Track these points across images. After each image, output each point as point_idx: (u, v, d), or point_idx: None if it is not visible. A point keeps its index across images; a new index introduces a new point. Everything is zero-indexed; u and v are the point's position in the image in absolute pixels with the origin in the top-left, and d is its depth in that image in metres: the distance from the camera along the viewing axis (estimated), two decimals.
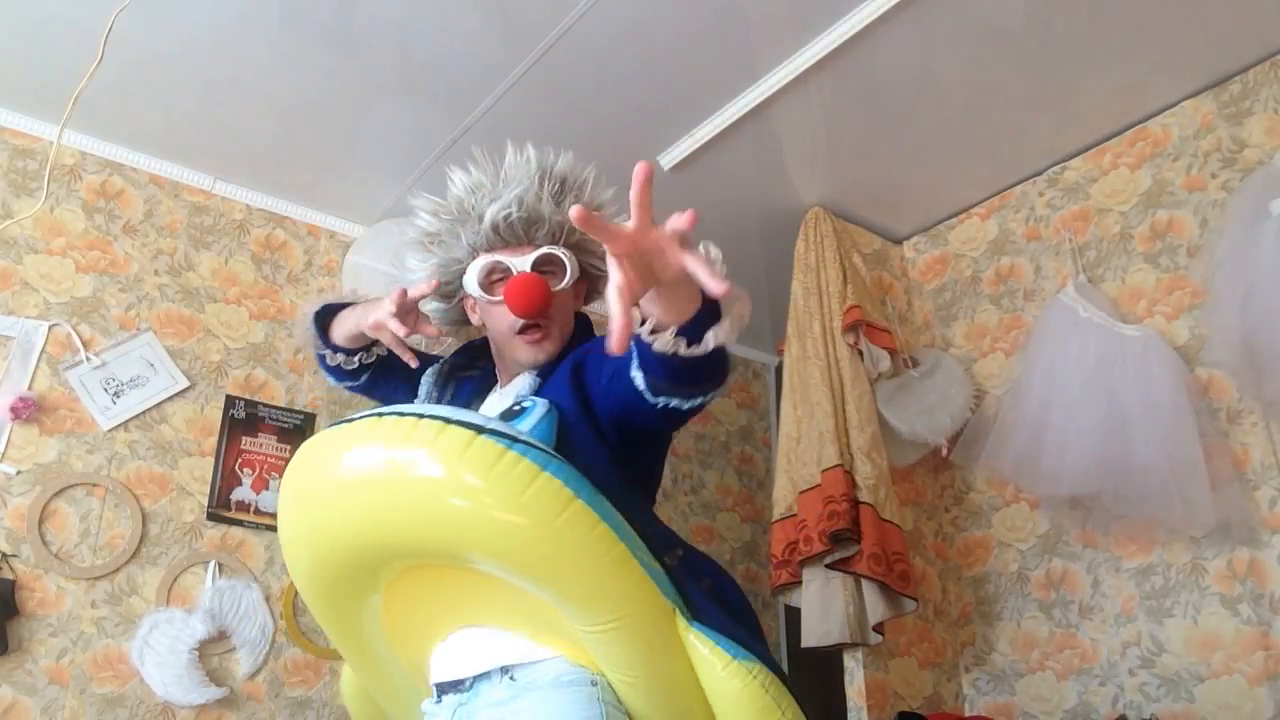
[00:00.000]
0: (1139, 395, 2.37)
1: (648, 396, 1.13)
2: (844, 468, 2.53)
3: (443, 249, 1.45)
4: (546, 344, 1.37)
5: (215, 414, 2.78)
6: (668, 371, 1.08)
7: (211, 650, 2.55)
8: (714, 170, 2.86)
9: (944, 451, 2.80)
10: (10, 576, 2.36)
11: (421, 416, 1.03)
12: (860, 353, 2.76)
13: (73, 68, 2.33)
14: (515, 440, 1.03)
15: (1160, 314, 2.55)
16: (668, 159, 2.79)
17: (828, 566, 2.49)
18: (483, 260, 1.38)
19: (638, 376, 1.12)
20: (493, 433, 1.02)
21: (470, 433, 1.01)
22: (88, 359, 2.62)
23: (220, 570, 2.64)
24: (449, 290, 1.48)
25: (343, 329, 1.51)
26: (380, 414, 1.06)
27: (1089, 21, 2.33)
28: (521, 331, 1.37)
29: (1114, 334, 2.51)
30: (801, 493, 2.58)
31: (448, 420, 1.03)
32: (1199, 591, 2.34)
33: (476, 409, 1.41)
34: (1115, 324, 2.53)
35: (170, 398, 2.72)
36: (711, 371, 1.10)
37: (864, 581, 2.47)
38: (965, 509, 2.92)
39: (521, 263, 1.37)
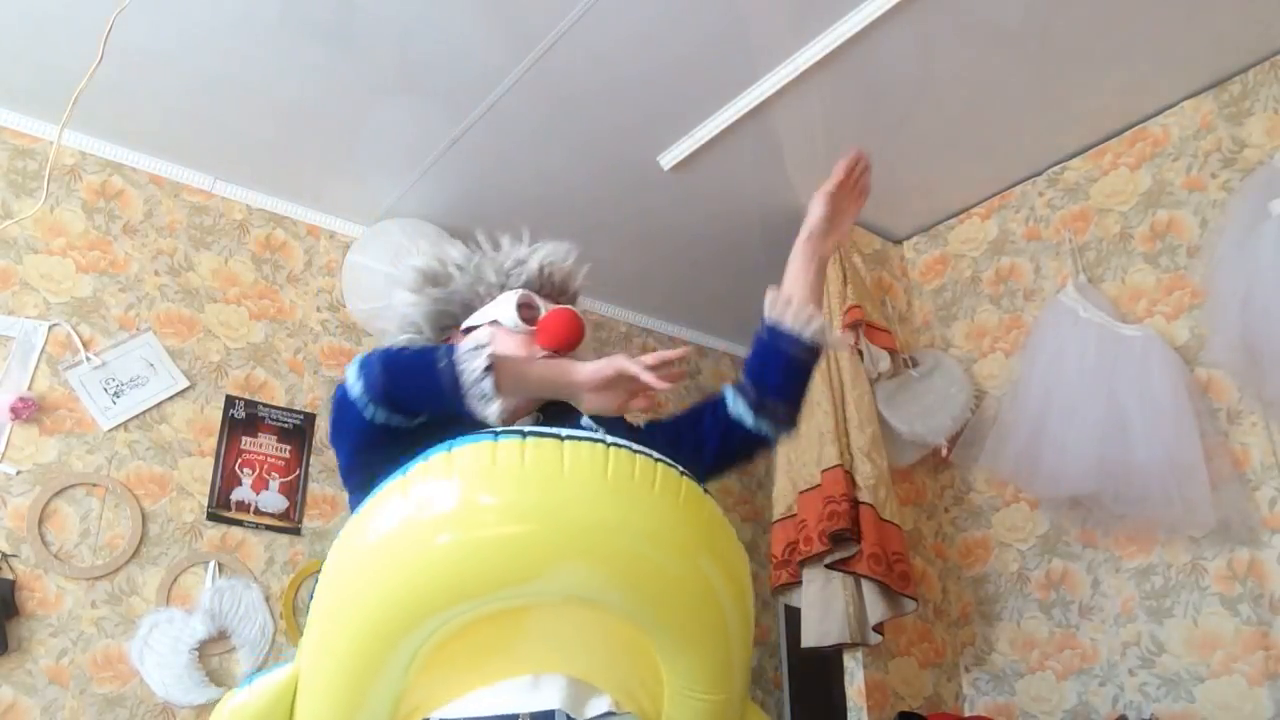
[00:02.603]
0: (1139, 395, 2.37)
1: (748, 421, 1.38)
2: (844, 468, 2.53)
3: (464, 283, 1.46)
4: None
5: (215, 414, 2.78)
6: (791, 369, 1.39)
7: (211, 650, 2.56)
8: (714, 170, 2.86)
9: (944, 452, 2.80)
10: (10, 576, 2.36)
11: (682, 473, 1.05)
12: (860, 353, 2.76)
13: (73, 68, 2.32)
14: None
15: (1160, 314, 2.55)
16: (668, 159, 2.79)
17: (828, 566, 2.49)
18: (521, 293, 1.43)
19: (739, 403, 1.38)
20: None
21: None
22: (88, 359, 2.62)
23: (220, 570, 2.64)
24: (442, 323, 1.47)
25: (522, 384, 1.29)
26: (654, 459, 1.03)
27: (1089, 21, 2.33)
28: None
29: (1114, 334, 2.51)
30: (801, 493, 2.58)
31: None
32: (1199, 591, 2.34)
33: None
34: (1115, 324, 2.53)
35: (170, 398, 2.72)
36: (804, 388, 1.43)
37: (864, 581, 2.47)
38: (965, 509, 2.92)
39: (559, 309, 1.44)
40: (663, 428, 1.47)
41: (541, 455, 0.96)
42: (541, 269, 1.47)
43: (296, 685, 1.08)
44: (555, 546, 0.97)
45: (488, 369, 1.16)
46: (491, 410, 1.16)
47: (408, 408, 1.21)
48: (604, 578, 0.99)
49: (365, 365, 1.23)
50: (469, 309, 1.46)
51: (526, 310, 1.42)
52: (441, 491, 0.96)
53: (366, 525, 1.00)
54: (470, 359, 1.17)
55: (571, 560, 0.97)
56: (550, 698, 1.11)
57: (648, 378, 1.25)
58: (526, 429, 1.01)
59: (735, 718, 1.15)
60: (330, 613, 1.03)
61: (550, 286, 1.48)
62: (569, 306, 1.44)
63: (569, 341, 1.38)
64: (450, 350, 1.19)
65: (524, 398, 1.32)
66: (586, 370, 1.27)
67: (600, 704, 1.14)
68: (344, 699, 1.05)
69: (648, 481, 0.98)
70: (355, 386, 1.22)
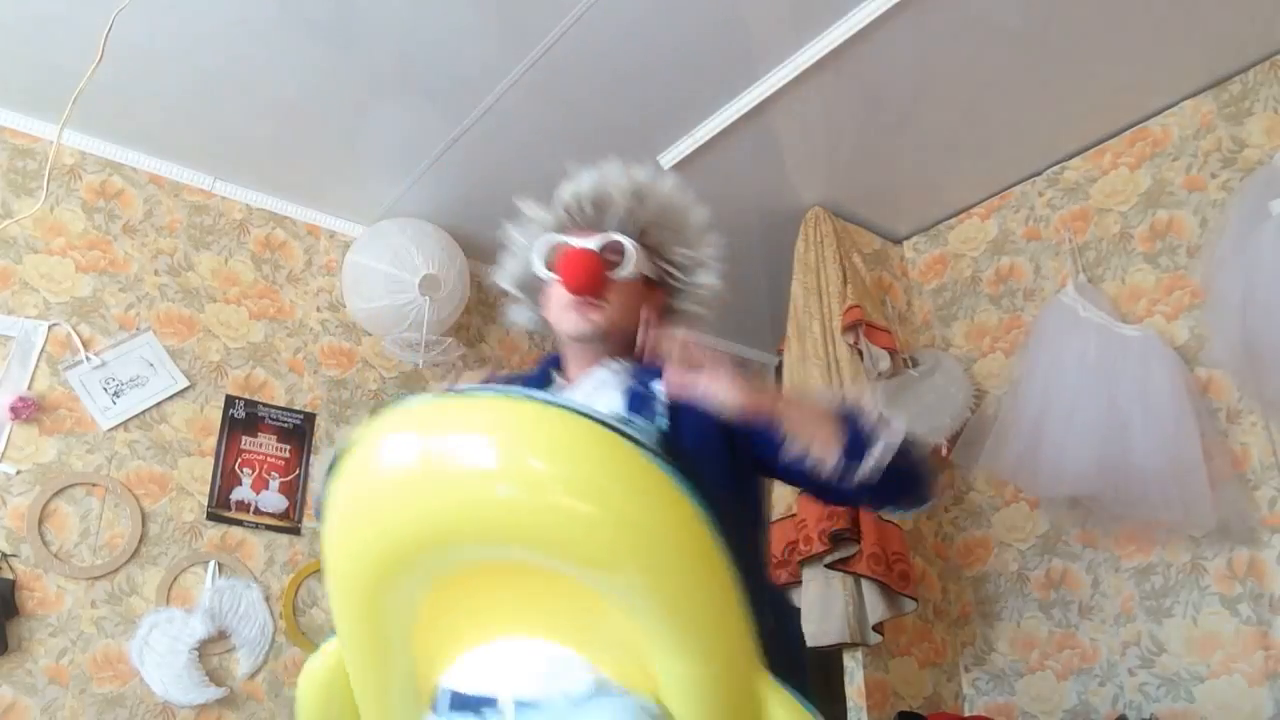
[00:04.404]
0: (1139, 395, 2.37)
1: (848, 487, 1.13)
2: None
3: (526, 239, 1.41)
4: (595, 314, 1.31)
5: (215, 414, 2.78)
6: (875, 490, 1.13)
7: (211, 650, 2.55)
8: (714, 170, 2.86)
9: (944, 451, 2.80)
10: (10, 576, 2.36)
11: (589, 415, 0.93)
12: (860, 353, 2.76)
13: (73, 68, 2.32)
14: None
15: (1160, 314, 2.55)
16: (668, 159, 2.79)
17: (827, 566, 2.49)
18: (547, 238, 1.36)
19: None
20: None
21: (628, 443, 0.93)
22: (87, 359, 2.62)
23: (220, 570, 2.64)
24: (529, 284, 1.44)
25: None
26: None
27: (1089, 21, 2.33)
28: (572, 305, 1.32)
29: (1114, 334, 2.51)
30: (801, 493, 2.58)
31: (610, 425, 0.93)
32: (1199, 591, 2.34)
33: None
34: (1115, 324, 2.53)
35: (170, 397, 2.72)
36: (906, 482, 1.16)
37: (864, 581, 2.47)
38: (965, 509, 2.92)
39: (586, 243, 1.32)
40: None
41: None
42: (568, 206, 1.34)
43: None
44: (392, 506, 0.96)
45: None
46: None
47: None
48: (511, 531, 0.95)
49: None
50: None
51: (552, 255, 1.34)
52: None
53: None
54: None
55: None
56: (528, 674, 1.05)
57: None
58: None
59: (736, 697, 1.00)
60: (329, 557, 1.05)
61: (585, 219, 1.34)
62: (596, 246, 1.31)
63: (578, 285, 1.28)
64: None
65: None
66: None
67: (586, 679, 1.04)
68: (362, 653, 1.09)
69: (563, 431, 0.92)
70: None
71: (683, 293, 1.44)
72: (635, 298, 1.36)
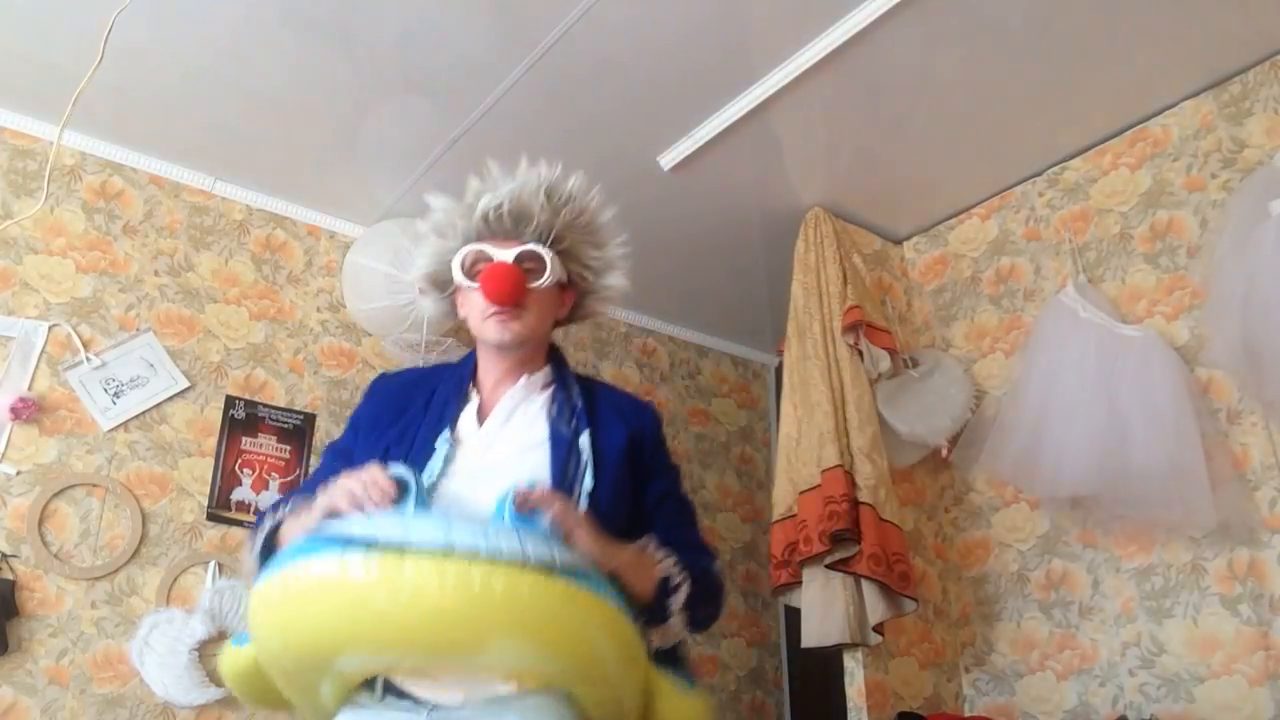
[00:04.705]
0: (1139, 395, 2.37)
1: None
2: (844, 468, 2.53)
3: (441, 240, 1.47)
4: (514, 325, 1.40)
5: (215, 414, 2.79)
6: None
7: (211, 650, 2.55)
8: (714, 170, 2.86)
9: (944, 452, 2.80)
10: (10, 577, 2.36)
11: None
12: (860, 353, 2.76)
13: (73, 68, 2.33)
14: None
15: (1160, 314, 2.55)
16: (668, 159, 2.79)
17: (828, 567, 2.49)
18: (469, 248, 1.42)
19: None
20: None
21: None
22: (88, 359, 2.62)
23: (220, 570, 2.64)
24: (442, 281, 1.50)
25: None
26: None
27: (1089, 21, 2.33)
28: (492, 315, 1.40)
29: (1114, 334, 2.51)
30: (801, 493, 2.58)
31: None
32: (1199, 592, 2.34)
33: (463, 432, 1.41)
34: (1115, 324, 2.53)
35: (170, 398, 2.72)
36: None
37: (864, 582, 2.47)
38: (965, 509, 2.91)
39: (504, 254, 1.40)
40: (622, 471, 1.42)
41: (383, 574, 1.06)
42: (486, 217, 1.41)
43: None
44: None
45: (266, 540, 1.33)
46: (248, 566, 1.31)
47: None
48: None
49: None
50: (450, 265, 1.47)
51: (474, 268, 1.41)
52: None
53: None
54: (252, 536, 1.35)
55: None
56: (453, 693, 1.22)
57: (369, 490, 1.22)
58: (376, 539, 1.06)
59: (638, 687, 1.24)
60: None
61: (502, 229, 1.42)
62: (513, 257, 1.39)
63: (500, 298, 1.37)
64: (256, 526, 1.37)
65: None
66: (318, 507, 1.24)
67: (503, 689, 1.21)
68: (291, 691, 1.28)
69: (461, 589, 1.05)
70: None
71: (593, 294, 1.53)
72: (551, 303, 1.47)
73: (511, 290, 1.37)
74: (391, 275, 2.92)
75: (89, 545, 2.50)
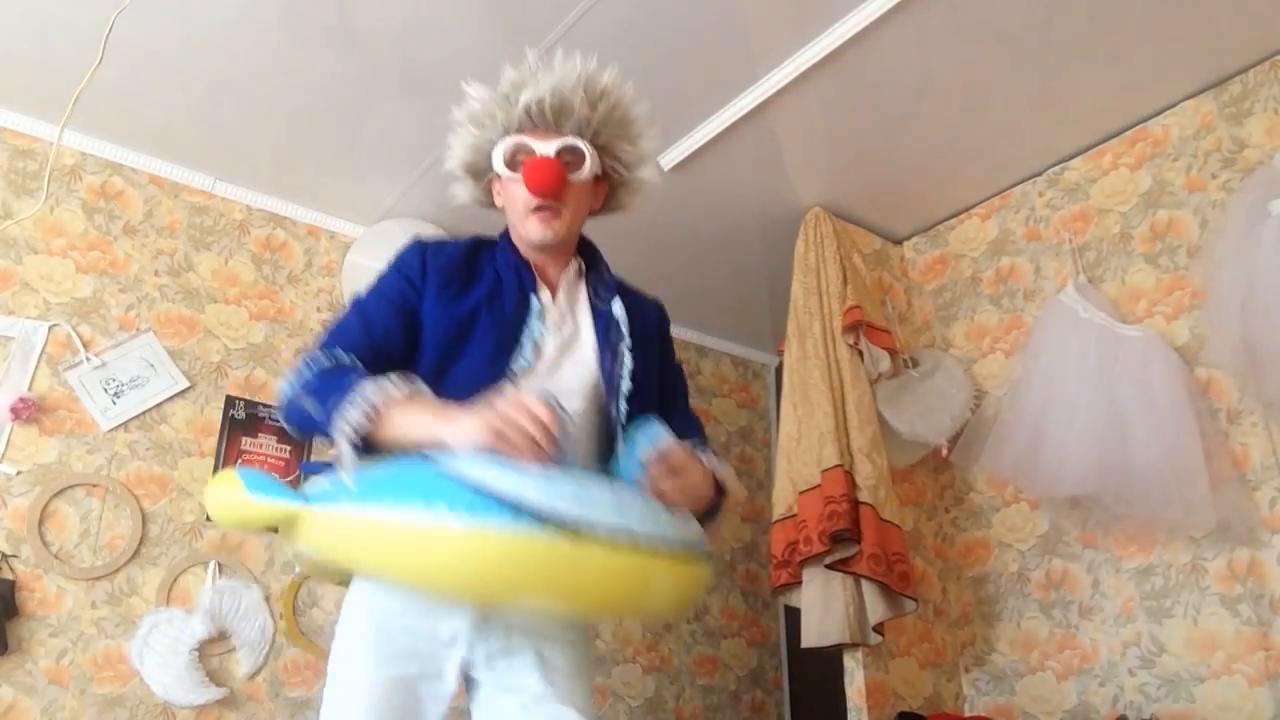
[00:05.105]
0: (1139, 395, 2.37)
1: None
2: (844, 468, 2.53)
3: (479, 130, 1.49)
4: (556, 223, 1.44)
5: (215, 414, 2.79)
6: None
7: (211, 650, 2.56)
8: (714, 170, 2.86)
9: (944, 452, 2.81)
10: (10, 577, 2.36)
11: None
12: (860, 353, 2.76)
13: (73, 68, 2.33)
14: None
15: (1160, 314, 2.55)
16: (668, 159, 2.79)
17: (828, 567, 2.49)
18: (510, 139, 1.44)
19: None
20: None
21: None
22: (88, 359, 2.62)
23: (220, 570, 2.64)
24: (478, 170, 1.53)
25: (398, 439, 1.23)
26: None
27: (1089, 21, 2.33)
28: (535, 211, 1.44)
29: (1114, 334, 2.51)
30: (801, 493, 2.58)
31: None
32: (1199, 592, 2.34)
33: (535, 318, 1.45)
34: (1115, 324, 2.53)
35: (170, 398, 2.72)
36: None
37: (864, 582, 2.47)
38: (965, 509, 2.92)
39: (545, 147, 1.42)
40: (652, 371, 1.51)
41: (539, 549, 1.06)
42: (528, 109, 1.43)
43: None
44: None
45: (357, 427, 1.20)
46: (347, 455, 1.20)
47: (304, 435, 1.28)
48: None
49: (285, 404, 1.32)
50: (490, 155, 1.48)
51: (515, 159, 1.44)
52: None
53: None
54: (349, 412, 1.20)
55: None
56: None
57: (537, 435, 1.14)
58: (545, 512, 1.05)
59: None
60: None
61: (544, 122, 1.44)
62: (554, 150, 1.41)
63: (542, 191, 1.40)
64: (341, 391, 1.23)
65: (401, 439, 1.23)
66: (462, 435, 1.15)
67: None
68: None
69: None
70: (280, 406, 1.34)
71: (625, 185, 1.56)
72: (586, 197, 1.50)
73: (554, 183, 1.40)
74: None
75: (89, 545, 2.50)
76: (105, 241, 2.76)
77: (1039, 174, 2.93)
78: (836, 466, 2.53)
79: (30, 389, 2.52)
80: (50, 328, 2.60)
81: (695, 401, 3.83)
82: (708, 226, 3.18)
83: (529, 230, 1.44)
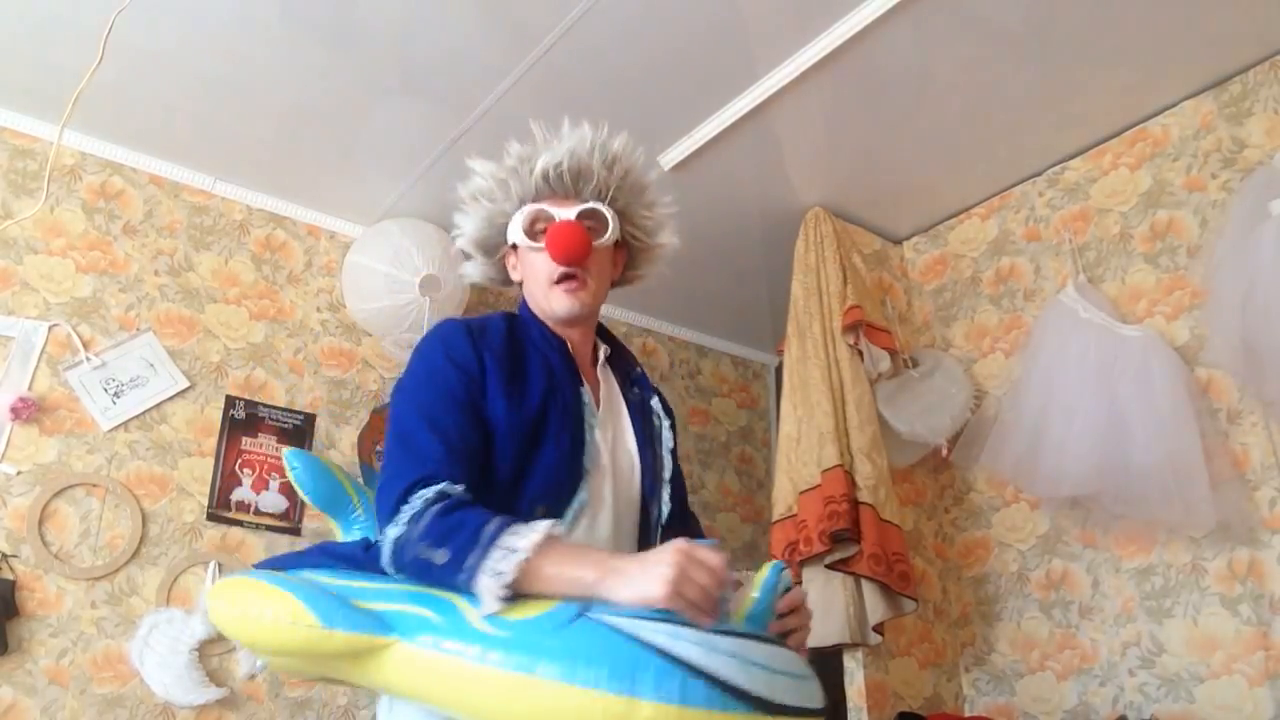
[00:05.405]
0: (1139, 395, 2.37)
1: None
2: (844, 468, 2.53)
3: (491, 204, 1.45)
4: (583, 294, 1.38)
5: (215, 414, 2.78)
6: None
7: (211, 650, 2.55)
8: (714, 170, 2.86)
9: (944, 452, 2.81)
10: (10, 577, 2.36)
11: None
12: (860, 353, 2.76)
13: (73, 68, 2.33)
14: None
15: (1160, 314, 2.55)
16: (668, 159, 2.79)
17: (828, 567, 2.49)
18: (529, 208, 1.40)
19: None
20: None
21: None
22: (88, 359, 2.62)
23: (220, 570, 2.64)
24: (491, 245, 1.48)
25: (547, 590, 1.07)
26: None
27: (1089, 21, 2.33)
28: (559, 281, 1.38)
29: (1114, 334, 2.51)
30: (801, 493, 2.58)
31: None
32: (1199, 592, 2.34)
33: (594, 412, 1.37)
34: (1115, 324, 2.53)
35: (170, 398, 2.72)
36: None
37: (864, 582, 2.47)
38: (965, 509, 2.91)
39: (566, 212, 1.38)
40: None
41: None
42: (547, 175, 1.38)
43: None
44: None
45: (508, 583, 1.04)
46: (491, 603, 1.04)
47: (422, 583, 1.13)
48: None
49: (398, 552, 1.13)
50: (504, 228, 1.43)
51: (535, 228, 1.39)
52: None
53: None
54: (497, 565, 1.04)
55: None
56: None
57: (714, 591, 1.03)
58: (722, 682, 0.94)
59: None
60: None
61: (563, 188, 1.39)
62: (574, 215, 1.37)
63: (568, 258, 1.35)
64: (474, 539, 1.07)
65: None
66: (636, 591, 1.01)
67: None
68: None
69: None
70: (385, 561, 1.15)
71: (645, 252, 1.52)
72: (609, 265, 1.46)
73: (580, 249, 1.34)
74: (391, 275, 2.92)
75: (89, 545, 2.49)
76: (105, 241, 2.76)
77: (1039, 174, 2.93)
78: (836, 466, 2.53)
79: (30, 389, 2.52)
80: (50, 328, 2.60)
81: (696, 401, 3.84)
82: (708, 226, 3.18)
83: (554, 304, 1.38)
